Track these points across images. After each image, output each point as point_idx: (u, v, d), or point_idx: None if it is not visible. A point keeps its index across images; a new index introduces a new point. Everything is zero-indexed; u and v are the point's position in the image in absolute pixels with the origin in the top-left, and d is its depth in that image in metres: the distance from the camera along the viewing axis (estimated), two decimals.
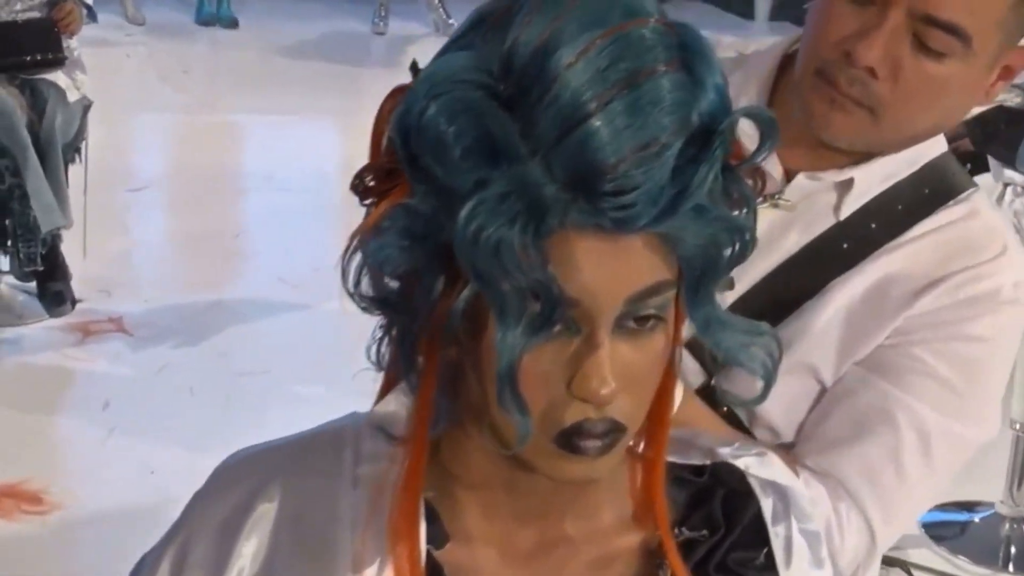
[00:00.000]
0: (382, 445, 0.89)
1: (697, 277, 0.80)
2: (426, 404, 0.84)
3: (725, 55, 1.42)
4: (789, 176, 1.34)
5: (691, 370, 1.33)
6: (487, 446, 0.84)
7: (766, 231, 1.32)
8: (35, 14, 4.14)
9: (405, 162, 0.77)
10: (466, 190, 0.74)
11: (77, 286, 4.29)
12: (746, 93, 1.36)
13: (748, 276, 1.33)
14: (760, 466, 0.97)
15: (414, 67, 0.80)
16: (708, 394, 1.33)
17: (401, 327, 0.83)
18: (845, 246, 1.33)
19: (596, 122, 0.73)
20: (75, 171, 4.36)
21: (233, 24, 8.50)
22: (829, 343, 1.31)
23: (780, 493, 0.96)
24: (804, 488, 0.99)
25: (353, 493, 0.87)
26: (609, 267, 0.76)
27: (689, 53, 0.77)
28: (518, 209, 0.74)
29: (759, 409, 1.32)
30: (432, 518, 0.87)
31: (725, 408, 1.33)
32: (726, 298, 1.32)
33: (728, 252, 0.80)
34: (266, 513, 0.87)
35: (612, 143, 0.73)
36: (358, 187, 0.81)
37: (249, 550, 0.86)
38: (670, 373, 0.86)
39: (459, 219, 0.74)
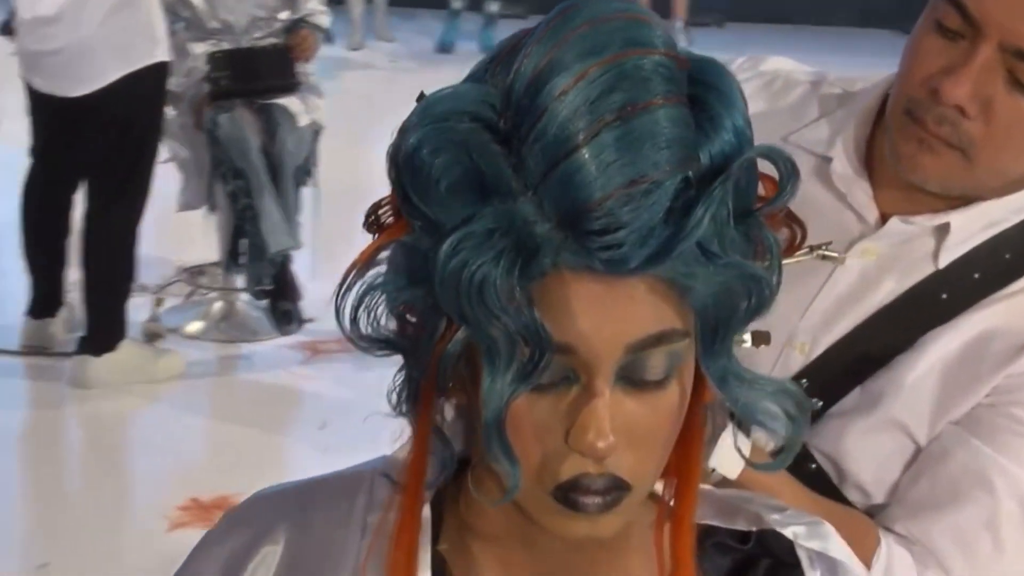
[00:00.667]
0: (389, 492, 0.86)
1: (712, 328, 0.75)
2: (420, 450, 0.81)
3: (830, 91, 1.35)
4: (886, 220, 1.26)
5: None
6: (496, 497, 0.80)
7: (858, 279, 1.26)
8: (273, 40, 4.27)
9: (399, 197, 0.75)
10: (451, 226, 0.71)
11: (308, 305, 4.40)
12: (845, 131, 1.29)
13: (839, 326, 1.26)
14: (811, 536, 0.90)
15: (420, 98, 0.75)
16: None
17: (406, 369, 0.80)
18: (944, 296, 1.24)
19: (582, 156, 0.69)
20: (308, 194, 4.48)
21: None
22: (923, 400, 1.22)
23: (830, 567, 0.90)
24: (859, 566, 0.92)
25: (360, 541, 0.85)
26: (606, 312, 0.72)
27: (704, 89, 0.73)
28: (504, 247, 0.70)
29: (849, 467, 1.25)
30: (440, 571, 0.84)
31: (814, 465, 1.26)
32: (814, 349, 1.27)
33: (744, 304, 0.75)
34: (270, 555, 0.86)
35: (599, 178, 0.69)
36: (371, 222, 0.79)
37: None
38: (696, 428, 0.81)
39: (439, 254, 0.70)
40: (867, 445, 1.25)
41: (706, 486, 0.94)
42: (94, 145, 3.80)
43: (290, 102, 4.23)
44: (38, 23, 3.72)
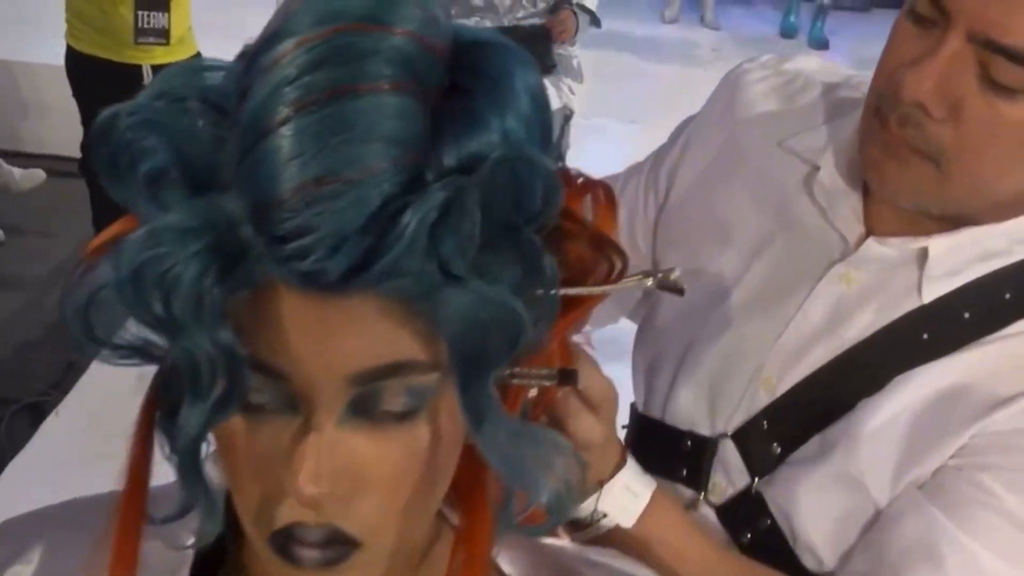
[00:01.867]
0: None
1: (465, 362, 0.63)
2: (131, 481, 0.70)
3: (847, 95, 1.17)
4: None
5: (734, 467, 1.14)
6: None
7: (832, 308, 1.10)
8: (536, 21, 4.17)
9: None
10: (146, 219, 0.61)
11: None
12: (840, 138, 1.12)
13: (806, 361, 1.10)
14: None
15: None
16: (748, 500, 1.13)
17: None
18: (925, 336, 1.05)
19: (273, 141, 0.58)
20: None
21: (823, 45, 8.22)
22: (882, 453, 1.05)
23: None
24: None
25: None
26: (325, 336, 0.61)
27: (472, 79, 0.63)
28: (200, 248, 0.60)
29: (800, 526, 1.09)
30: None
31: (769, 521, 1.11)
32: (780, 385, 1.11)
33: (497, 338, 0.63)
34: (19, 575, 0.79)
35: (285, 171, 0.58)
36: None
37: None
38: (479, 478, 0.70)
39: (122, 249, 0.60)
40: (820, 502, 1.08)
41: (552, 540, 0.82)
42: None
43: (544, 84, 4.12)
44: None
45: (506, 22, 4.16)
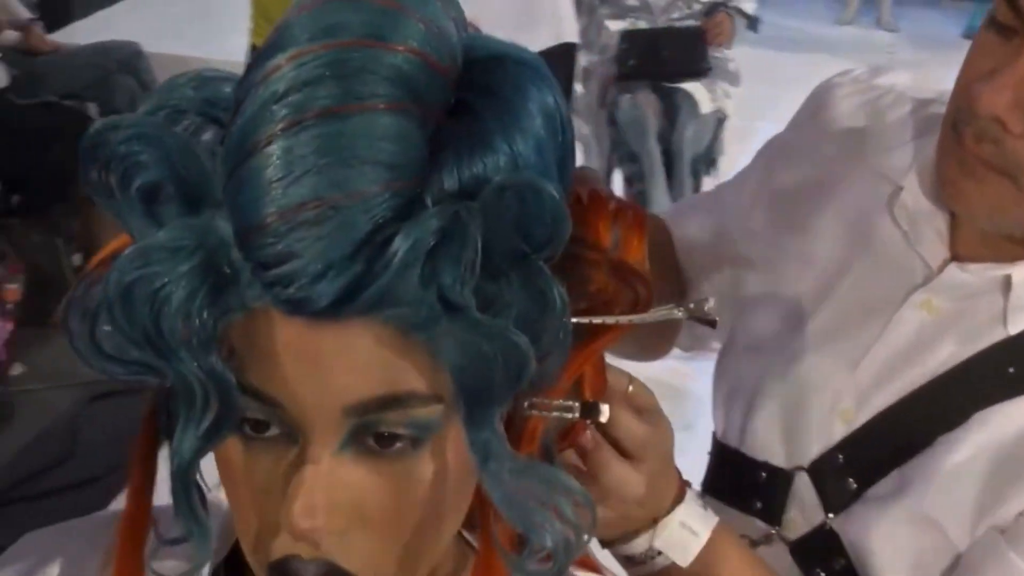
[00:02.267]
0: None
1: (468, 397, 0.59)
2: (132, 505, 0.68)
3: (938, 111, 1.07)
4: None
5: (808, 501, 1.08)
6: None
7: (913, 338, 1.04)
8: (692, 22, 4.12)
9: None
10: (140, 236, 0.59)
11: None
12: (925, 155, 1.04)
13: (885, 393, 1.04)
14: None
15: None
16: (822, 537, 1.07)
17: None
18: (1011, 371, 0.98)
19: (259, 160, 0.55)
20: (712, 185, 4.29)
21: None
22: (961, 494, 0.98)
23: None
24: None
25: None
26: (318, 364, 0.58)
27: (481, 97, 0.59)
28: (191, 267, 0.57)
29: (874, 566, 1.03)
30: None
31: (843, 561, 1.04)
32: (858, 417, 1.05)
33: (500, 372, 0.59)
34: None
35: (268, 193, 0.55)
36: None
37: None
38: (486, 514, 0.65)
39: (112, 268, 0.58)
40: (896, 543, 1.01)
41: None
42: None
43: (695, 88, 4.06)
44: None
45: (661, 23, 4.11)
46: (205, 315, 0.57)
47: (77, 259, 3.86)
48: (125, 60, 4.32)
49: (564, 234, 0.59)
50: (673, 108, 4.05)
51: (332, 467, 0.60)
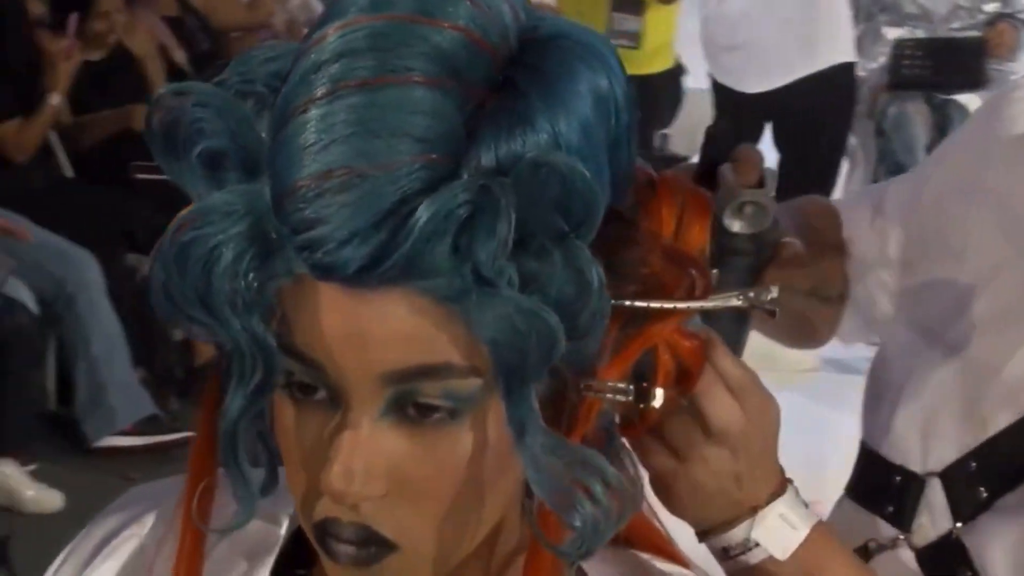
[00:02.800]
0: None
1: (505, 372, 0.59)
2: (196, 467, 0.69)
3: None
4: None
5: (938, 508, 1.04)
6: None
7: None
8: (974, 32, 3.93)
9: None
10: (199, 199, 0.61)
11: None
12: None
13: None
14: None
15: None
16: (950, 546, 1.03)
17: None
18: None
19: (298, 124, 0.57)
20: None
21: None
22: None
23: None
24: None
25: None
26: (356, 332, 0.59)
27: (527, 75, 0.59)
28: (240, 231, 0.59)
29: None
30: None
31: (969, 572, 1.00)
32: (989, 424, 1.01)
33: (533, 348, 0.58)
34: (130, 538, 0.80)
35: (302, 158, 0.56)
36: None
37: (103, 572, 0.79)
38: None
39: (171, 225, 0.60)
40: (1018, 557, 0.97)
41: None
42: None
43: (970, 101, 3.87)
44: (722, 18, 3.73)
45: (940, 32, 3.94)
46: (251, 277, 0.59)
47: None
48: None
49: (596, 217, 0.58)
50: (945, 120, 3.88)
51: (372, 433, 0.61)
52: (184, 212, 0.59)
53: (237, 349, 0.61)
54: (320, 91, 0.56)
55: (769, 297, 0.72)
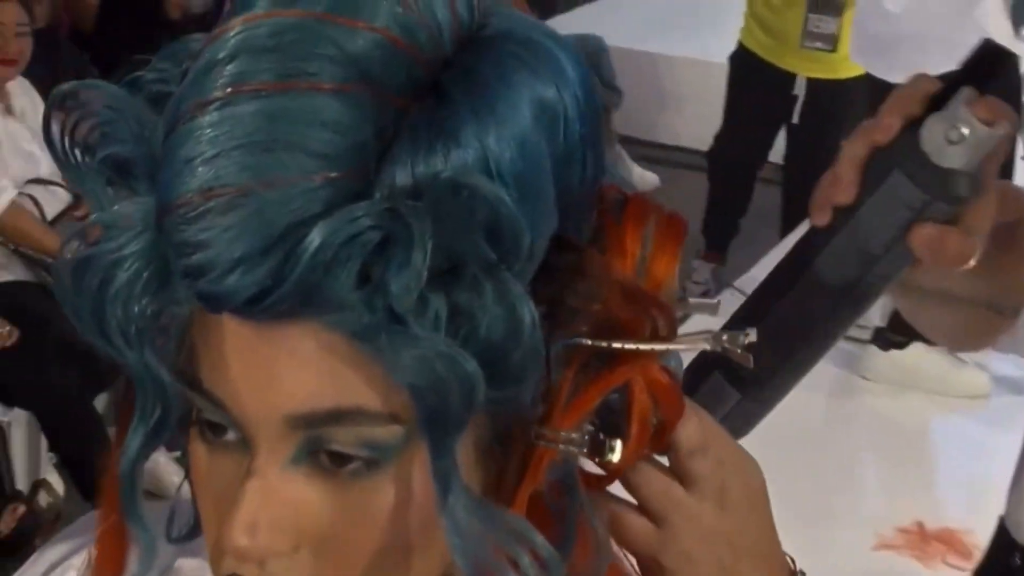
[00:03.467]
0: None
1: (426, 421, 0.53)
2: (108, 496, 0.63)
3: None
4: None
5: None
6: None
7: None
8: None
9: None
10: (98, 208, 0.56)
11: None
12: None
13: None
14: None
15: None
16: None
17: None
18: None
19: (179, 135, 0.51)
20: None
21: None
22: None
23: None
24: None
25: None
26: (260, 367, 0.53)
27: (461, 82, 0.52)
28: (138, 248, 0.54)
29: None
30: None
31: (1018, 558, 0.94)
32: None
33: (457, 395, 0.52)
34: (68, 569, 0.74)
35: (180, 173, 0.50)
36: None
37: None
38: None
39: (68, 238, 0.55)
40: None
41: None
42: None
43: None
44: (878, 9, 3.58)
45: None
46: (145, 302, 0.54)
47: None
48: (587, 55, 4.44)
49: (520, 246, 0.52)
50: None
51: (280, 483, 0.55)
52: (81, 225, 0.55)
53: (137, 381, 0.56)
54: (212, 95, 0.50)
55: (745, 341, 0.61)
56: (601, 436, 0.59)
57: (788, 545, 0.68)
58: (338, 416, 0.53)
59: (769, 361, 0.71)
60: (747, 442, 0.68)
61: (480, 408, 0.52)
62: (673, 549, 0.62)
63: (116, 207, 0.55)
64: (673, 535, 0.62)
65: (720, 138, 4.67)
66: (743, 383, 0.72)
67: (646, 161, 5.73)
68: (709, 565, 0.62)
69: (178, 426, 0.59)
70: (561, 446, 0.57)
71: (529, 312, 0.52)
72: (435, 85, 0.52)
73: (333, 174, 0.50)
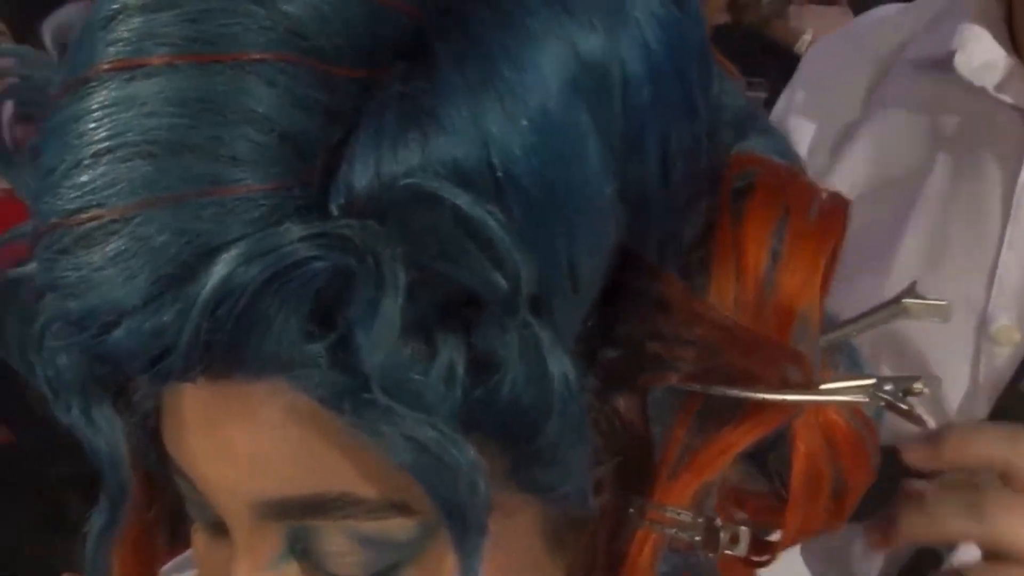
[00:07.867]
0: None
1: (443, 509, 0.38)
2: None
3: None
4: None
5: None
6: None
7: None
8: None
9: None
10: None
11: None
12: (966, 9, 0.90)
13: None
14: None
15: None
16: None
17: None
18: None
19: (58, 118, 0.37)
20: None
21: None
22: None
23: None
24: None
25: None
26: (221, 441, 0.41)
27: (451, 44, 0.36)
28: None
29: None
30: None
31: None
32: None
33: (465, 480, 0.38)
34: None
35: (49, 179, 0.36)
36: None
37: None
38: None
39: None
40: None
41: None
42: None
43: None
44: None
45: None
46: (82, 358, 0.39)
47: None
48: None
49: (514, 280, 0.36)
50: None
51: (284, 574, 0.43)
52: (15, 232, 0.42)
53: (84, 443, 0.42)
54: (90, 70, 0.35)
55: (917, 389, 0.43)
56: (717, 522, 0.44)
57: None
58: (321, 505, 0.40)
59: None
60: None
61: (519, 496, 0.40)
62: None
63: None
64: None
65: None
66: None
67: None
68: None
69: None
70: (667, 529, 0.43)
71: (560, 368, 0.37)
72: (413, 42, 0.37)
73: (261, 183, 0.35)
